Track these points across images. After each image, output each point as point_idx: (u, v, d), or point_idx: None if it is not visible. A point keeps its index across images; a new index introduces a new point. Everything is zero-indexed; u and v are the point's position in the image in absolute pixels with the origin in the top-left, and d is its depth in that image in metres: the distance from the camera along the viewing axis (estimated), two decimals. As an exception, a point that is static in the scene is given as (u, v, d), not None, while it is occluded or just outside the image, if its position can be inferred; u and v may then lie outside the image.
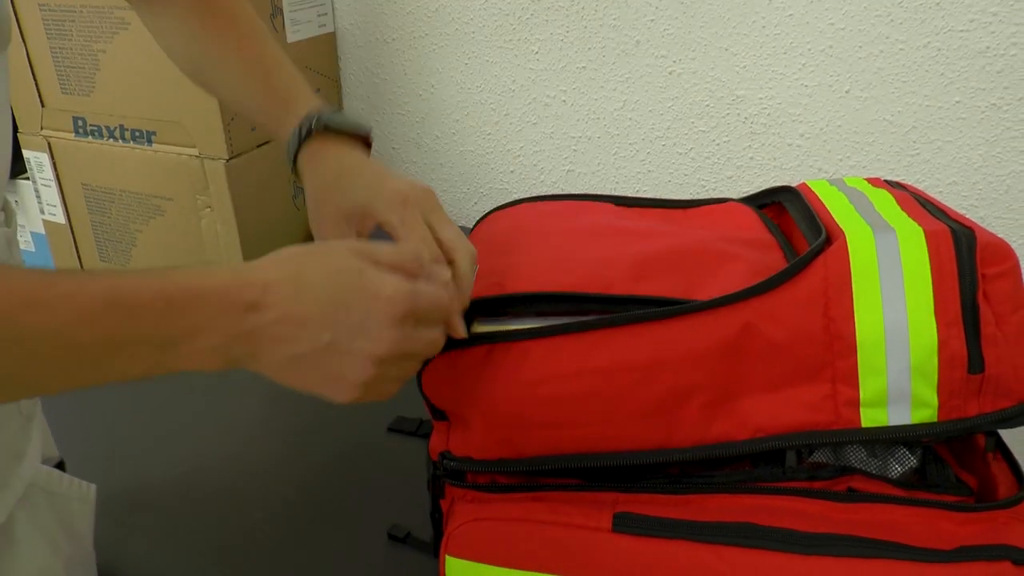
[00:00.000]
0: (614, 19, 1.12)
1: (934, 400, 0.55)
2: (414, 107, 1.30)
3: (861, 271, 0.55)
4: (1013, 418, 0.55)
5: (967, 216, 1.06)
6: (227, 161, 1.11)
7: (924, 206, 0.62)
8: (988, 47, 0.99)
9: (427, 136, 1.31)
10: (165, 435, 0.93)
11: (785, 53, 1.07)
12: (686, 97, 1.13)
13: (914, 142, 1.07)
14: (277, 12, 1.16)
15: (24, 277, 0.42)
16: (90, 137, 1.20)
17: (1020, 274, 0.56)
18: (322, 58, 1.28)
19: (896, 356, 0.54)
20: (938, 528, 0.55)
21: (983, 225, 1.06)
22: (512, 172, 1.28)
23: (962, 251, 0.55)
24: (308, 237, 1.27)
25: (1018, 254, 1.07)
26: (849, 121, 1.08)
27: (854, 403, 0.55)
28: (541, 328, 0.58)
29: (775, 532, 0.55)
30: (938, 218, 0.58)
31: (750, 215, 0.71)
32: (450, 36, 1.23)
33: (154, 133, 1.14)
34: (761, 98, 1.10)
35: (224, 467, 0.88)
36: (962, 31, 0.99)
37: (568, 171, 1.24)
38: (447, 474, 0.61)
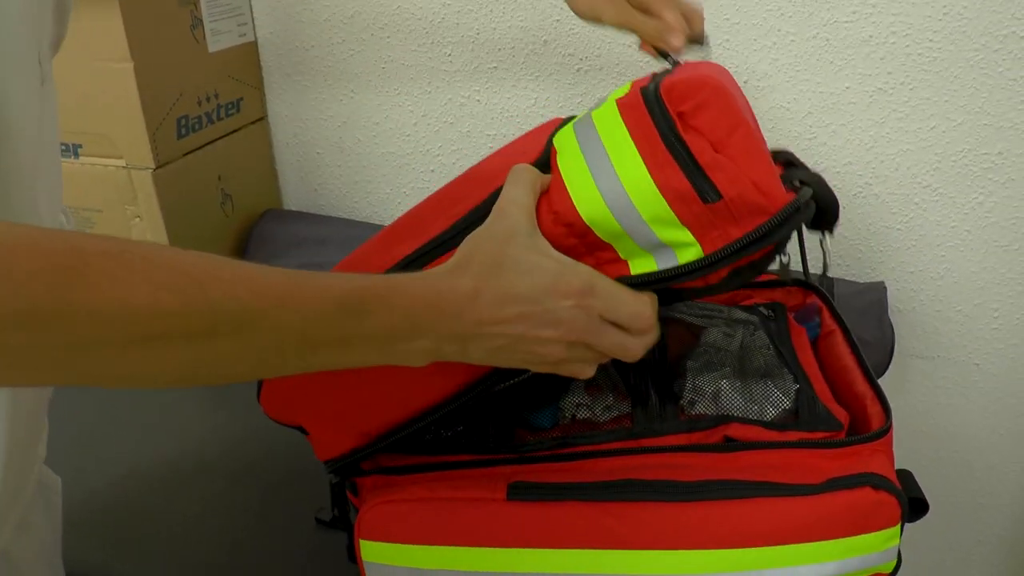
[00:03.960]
0: (521, 20, 1.17)
1: (691, 238, 0.55)
2: (335, 112, 1.34)
3: (568, 163, 0.58)
4: (775, 230, 0.55)
5: (863, 195, 1.12)
6: (154, 170, 1.13)
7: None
8: (871, 36, 1.05)
9: (349, 139, 1.35)
10: (101, 434, 0.96)
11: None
12: (595, 92, 1.18)
13: (811, 126, 1.13)
14: (197, 23, 1.18)
15: (278, 277, 0.48)
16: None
17: (724, 100, 0.56)
18: (244, 67, 1.30)
19: (628, 219, 0.56)
20: (809, 465, 0.60)
21: (878, 203, 1.13)
22: (433, 171, 1.32)
23: (650, 100, 0.56)
24: (238, 241, 1.30)
25: (910, 227, 1.14)
26: (748, 109, 1.14)
27: (618, 260, 0.58)
28: None
29: (657, 484, 0.60)
30: None
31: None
32: (366, 41, 1.27)
33: (80, 146, 1.16)
34: (665, 90, 1.16)
35: (159, 465, 0.92)
36: (846, 22, 1.05)
37: (487, 167, 1.28)
38: (336, 472, 0.66)
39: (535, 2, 1.15)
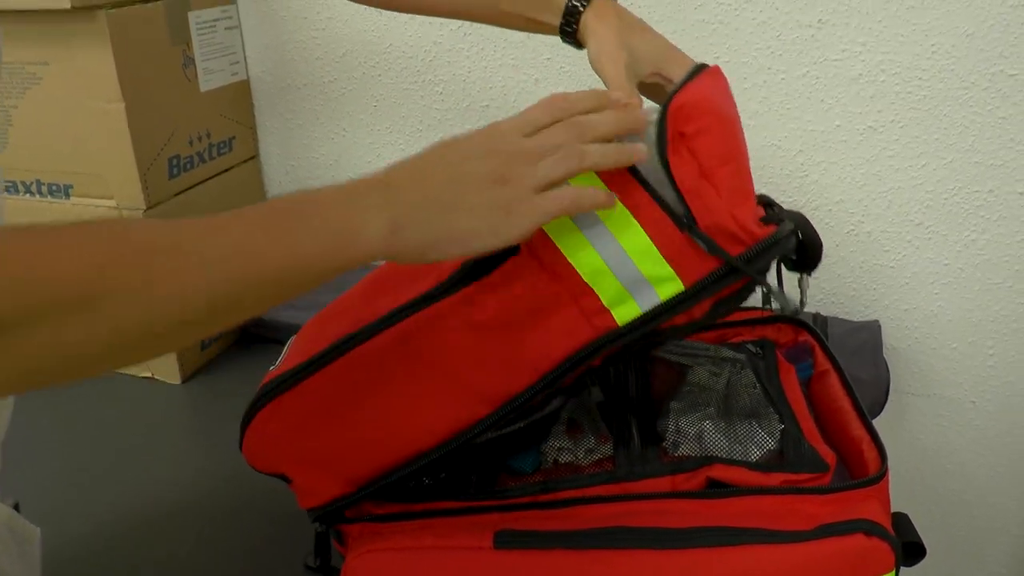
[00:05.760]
0: (513, 59, 1.17)
1: (669, 270, 0.56)
2: (327, 150, 1.34)
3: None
4: (754, 259, 0.56)
5: (855, 232, 1.12)
6: (145, 211, 1.13)
7: None
8: (860, 74, 1.06)
9: (341, 178, 1.30)
10: (82, 479, 0.95)
11: (675, 85, 1.13)
12: (585, 130, 1.18)
13: (802, 164, 1.13)
14: (189, 62, 1.19)
15: (193, 220, 0.46)
16: (6, 193, 1.21)
17: (726, 130, 0.58)
18: (237, 106, 1.30)
19: (609, 251, 0.56)
20: (800, 510, 0.59)
21: (870, 240, 1.13)
22: (425, 209, 1.31)
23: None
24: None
25: (903, 264, 1.14)
26: (739, 147, 1.14)
27: (602, 310, 0.58)
28: (303, 367, 0.62)
29: (646, 531, 0.59)
30: None
31: None
32: (358, 80, 1.27)
33: (71, 186, 1.16)
34: (655, 129, 1.16)
35: (142, 506, 0.90)
36: (836, 60, 1.06)
37: (479, 205, 1.28)
38: (320, 520, 0.65)
39: (526, 40, 1.15)
